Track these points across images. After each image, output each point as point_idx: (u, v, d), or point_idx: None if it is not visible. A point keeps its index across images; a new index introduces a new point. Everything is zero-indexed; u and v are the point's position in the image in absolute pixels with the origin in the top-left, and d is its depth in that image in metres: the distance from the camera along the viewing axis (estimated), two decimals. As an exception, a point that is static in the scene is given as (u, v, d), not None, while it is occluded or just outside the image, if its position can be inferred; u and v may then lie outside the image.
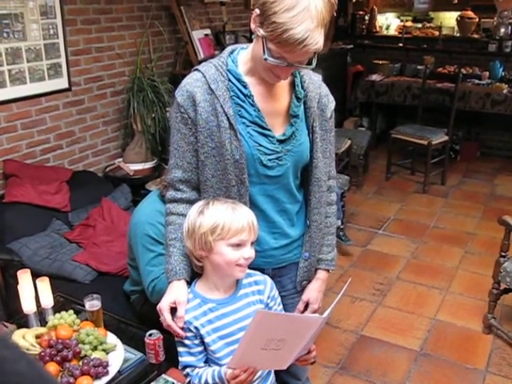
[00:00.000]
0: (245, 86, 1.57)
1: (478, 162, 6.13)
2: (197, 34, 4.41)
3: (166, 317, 1.57)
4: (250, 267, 1.60)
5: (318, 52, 1.45)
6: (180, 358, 1.60)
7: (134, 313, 2.49)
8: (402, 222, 4.76)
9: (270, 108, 1.60)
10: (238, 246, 1.49)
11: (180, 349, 1.59)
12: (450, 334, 3.20)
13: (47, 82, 3.53)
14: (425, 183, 5.39)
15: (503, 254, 3.04)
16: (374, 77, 6.29)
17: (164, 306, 1.59)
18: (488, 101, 5.60)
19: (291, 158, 1.62)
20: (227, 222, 1.47)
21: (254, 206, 1.61)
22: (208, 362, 1.59)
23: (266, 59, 1.43)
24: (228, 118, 1.53)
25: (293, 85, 1.65)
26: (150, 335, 1.97)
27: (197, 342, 1.56)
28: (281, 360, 1.50)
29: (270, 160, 1.59)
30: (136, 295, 2.48)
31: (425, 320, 3.32)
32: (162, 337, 1.97)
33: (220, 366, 1.54)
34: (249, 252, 1.51)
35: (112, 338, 2.02)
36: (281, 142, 1.60)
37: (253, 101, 1.57)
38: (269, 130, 1.59)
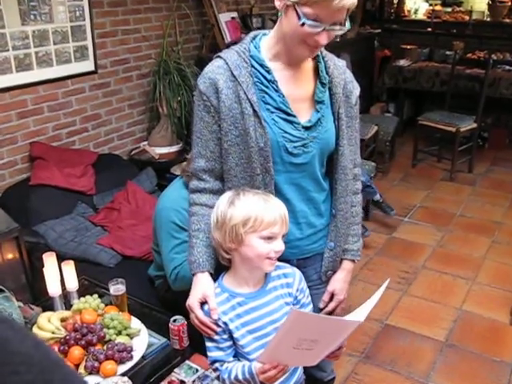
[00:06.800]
0: (268, 72, 1.53)
1: (506, 150, 5.98)
2: (223, 17, 4.36)
3: (198, 313, 1.54)
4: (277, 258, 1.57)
5: (350, 13, 1.43)
6: (209, 353, 1.57)
7: (157, 298, 2.49)
8: (428, 209, 4.69)
9: (295, 93, 1.56)
10: (270, 238, 1.45)
11: (208, 344, 1.56)
12: (476, 325, 3.14)
13: (73, 64, 3.53)
14: (452, 171, 5.30)
15: (533, 245, 2.97)
16: (402, 62, 6.18)
17: (193, 302, 1.56)
18: (519, 87, 5.46)
19: (317, 145, 1.59)
20: (260, 215, 1.43)
21: (279, 194, 1.58)
22: (237, 356, 1.56)
23: (303, 24, 1.38)
24: (252, 105, 1.50)
25: (317, 70, 1.61)
26: (175, 321, 1.97)
27: (225, 336, 1.53)
28: (312, 358, 1.47)
29: (295, 147, 1.56)
30: (160, 280, 2.48)
31: (451, 310, 3.28)
32: (186, 323, 1.96)
33: (249, 360, 1.52)
34: (280, 245, 1.47)
35: (136, 323, 2.02)
36: (306, 128, 1.57)
37: (277, 86, 1.54)
38: (294, 116, 1.55)
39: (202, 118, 1.56)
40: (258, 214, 1.43)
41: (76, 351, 1.81)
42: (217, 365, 1.56)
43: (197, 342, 1.99)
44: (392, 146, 5.56)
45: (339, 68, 1.64)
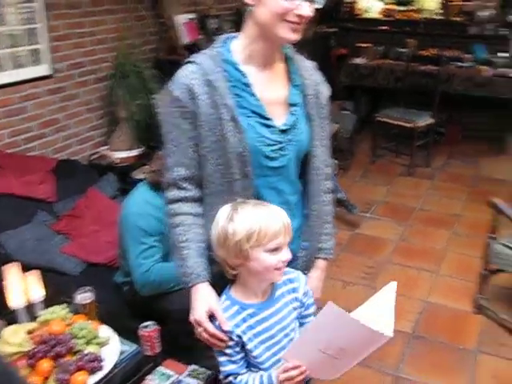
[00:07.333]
0: (243, 75, 1.52)
1: (461, 145, 6.12)
2: (181, 19, 4.33)
3: (209, 327, 1.49)
4: None
5: None
6: (222, 368, 1.52)
7: (126, 304, 2.46)
8: (389, 205, 4.77)
9: (270, 97, 1.56)
10: (276, 249, 1.42)
11: (221, 358, 1.51)
12: (441, 316, 3.22)
13: (28, 68, 3.45)
14: (410, 166, 5.40)
15: (492, 235, 3.05)
16: (358, 60, 6.26)
17: (202, 316, 1.51)
18: (471, 83, 5.60)
19: (293, 148, 1.59)
20: (263, 227, 1.38)
21: (258, 199, 1.56)
22: (248, 366, 1.53)
23: None
24: (229, 110, 1.48)
25: (288, 73, 1.61)
26: (146, 327, 1.94)
27: (238, 349, 1.49)
28: (332, 371, 1.45)
29: (272, 151, 1.55)
30: (128, 286, 2.45)
31: (416, 302, 3.34)
32: (157, 328, 1.94)
33: (262, 370, 1.50)
34: (287, 254, 1.44)
35: (106, 331, 1.98)
36: (282, 131, 1.57)
37: (252, 90, 1.53)
38: (270, 119, 1.55)
39: (179, 126, 1.53)
40: (260, 227, 1.38)
41: (45, 364, 1.76)
42: (230, 378, 1.51)
43: (169, 346, 1.97)
44: (351, 143, 5.63)
45: (309, 69, 1.65)
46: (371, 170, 5.55)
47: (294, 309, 1.57)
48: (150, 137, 3.96)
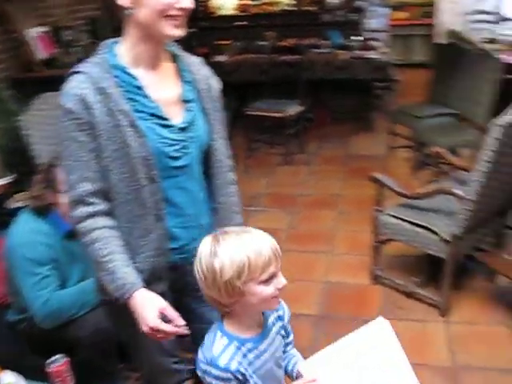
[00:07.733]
0: (134, 78, 1.50)
1: (331, 127, 6.36)
2: (33, 32, 4.08)
3: (166, 328, 1.42)
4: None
5: None
6: None
7: (25, 342, 2.28)
8: (272, 195, 4.85)
9: (164, 97, 1.55)
10: (270, 278, 1.32)
11: None
12: (342, 293, 3.32)
13: None
14: (286, 155, 5.54)
15: (378, 208, 3.20)
16: (220, 58, 6.32)
17: (155, 321, 1.43)
18: (331, 68, 5.86)
19: (195, 145, 1.59)
20: (252, 259, 1.27)
21: (168, 202, 1.55)
22: None
23: None
24: (126, 116, 1.45)
25: (178, 70, 1.61)
26: (53, 362, 1.79)
27: None
28: None
29: (175, 150, 1.54)
30: (25, 323, 2.27)
31: (317, 284, 3.42)
32: (67, 360, 1.80)
33: None
34: (282, 280, 1.35)
35: (9, 377, 1.82)
36: (182, 130, 1.56)
37: (145, 92, 1.51)
38: (168, 119, 1.54)
39: (76, 139, 1.46)
40: (250, 260, 1.28)
41: None
42: None
43: (84, 376, 1.85)
44: (227, 140, 5.65)
45: (197, 64, 1.66)
46: (249, 164, 5.60)
47: (282, 337, 1.53)
48: (19, 162, 3.70)
